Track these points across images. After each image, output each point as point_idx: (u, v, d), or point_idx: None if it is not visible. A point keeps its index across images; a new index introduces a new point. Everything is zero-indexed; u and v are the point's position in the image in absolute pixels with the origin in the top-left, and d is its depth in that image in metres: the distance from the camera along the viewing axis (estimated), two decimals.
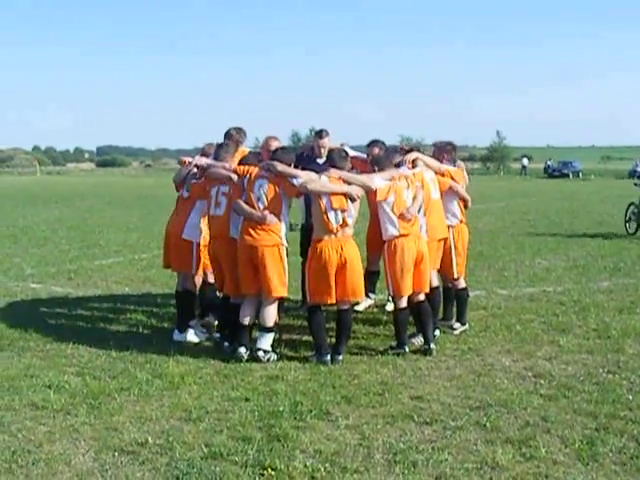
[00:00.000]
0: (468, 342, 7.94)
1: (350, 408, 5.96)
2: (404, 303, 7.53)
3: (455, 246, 8.30)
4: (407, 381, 6.66)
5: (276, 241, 7.29)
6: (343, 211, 7.17)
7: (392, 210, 7.38)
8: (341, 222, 7.17)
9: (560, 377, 6.72)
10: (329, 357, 7.19)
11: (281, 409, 5.89)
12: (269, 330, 7.37)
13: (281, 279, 7.34)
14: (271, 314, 7.39)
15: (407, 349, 7.45)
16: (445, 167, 8.31)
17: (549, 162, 74.94)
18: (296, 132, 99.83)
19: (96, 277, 12.45)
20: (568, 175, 68.57)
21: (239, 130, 8.35)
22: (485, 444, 5.21)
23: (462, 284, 8.56)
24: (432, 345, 7.51)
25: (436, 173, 8.10)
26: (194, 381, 6.64)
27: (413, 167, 7.86)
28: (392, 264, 7.41)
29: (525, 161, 79.09)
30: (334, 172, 7.34)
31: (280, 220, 7.34)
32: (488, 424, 5.57)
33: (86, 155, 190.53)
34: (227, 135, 8.26)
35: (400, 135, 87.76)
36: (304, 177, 7.30)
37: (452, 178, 8.31)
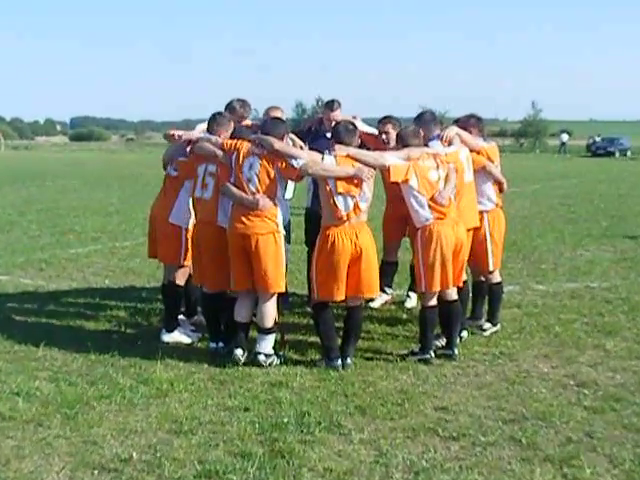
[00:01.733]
0: (500, 345, 7.93)
1: (365, 420, 5.96)
2: (433, 300, 7.50)
3: (490, 234, 8.27)
4: (430, 389, 6.67)
5: (271, 228, 7.24)
6: (353, 195, 7.13)
7: (420, 192, 7.35)
8: (352, 207, 7.13)
9: (607, 386, 6.71)
10: (339, 361, 7.19)
11: (285, 420, 5.89)
12: (269, 331, 7.37)
13: (278, 272, 7.30)
14: (270, 313, 7.37)
15: (432, 355, 7.43)
16: (482, 144, 8.31)
17: (597, 138, 74.57)
18: (300, 102, 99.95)
19: (71, 268, 12.46)
20: (614, 153, 68.40)
21: (243, 103, 8.29)
22: (521, 463, 5.21)
23: (497, 278, 8.56)
24: (455, 351, 7.50)
25: (471, 151, 8.07)
26: (185, 388, 6.65)
27: (449, 145, 7.80)
28: (426, 255, 7.35)
29: (564, 137, 78.82)
30: (340, 149, 7.28)
31: (275, 204, 7.28)
32: (524, 440, 5.56)
33: (58, 127, 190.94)
34: (228, 107, 8.22)
35: (421, 106, 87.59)
36: (305, 158, 7.23)
37: (488, 157, 8.29)
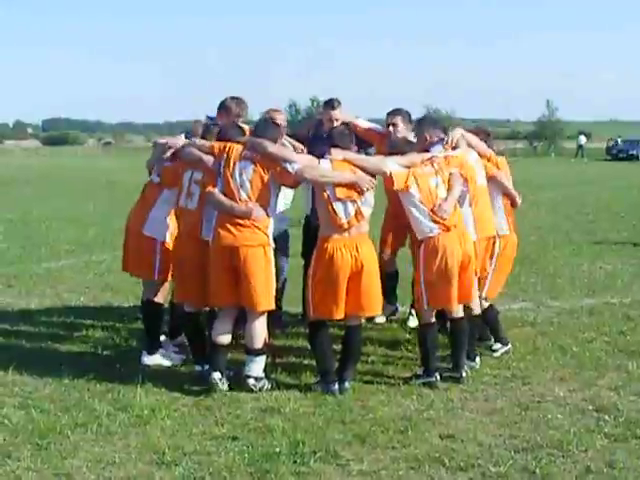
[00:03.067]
0: (512, 367, 7.94)
1: (364, 449, 5.96)
2: (432, 318, 7.53)
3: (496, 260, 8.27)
4: (436, 416, 6.67)
5: (262, 240, 7.22)
6: (354, 200, 7.14)
7: (421, 202, 7.36)
8: (353, 214, 7.13)
9: (629, 412, 6.71)
10: (336, 385, 7.19)
11: (277, 450, 5.89)
12: (258, 353, 7.36)
13: (268, 288, 7.29)
14: (259, 333, 7.35)
15: (438, 377, 7.43)
16: (491, 151, 8.34)
17: (618, 140, 74.66)
18: (294, 102, 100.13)
19: (43, 284, 12.45)
20: (637, 157, 68.46)
21: (238, 101, 8.27)
22: None
23: (484, 305, 8.43)
24: (463, 373, 7.51)
25: (480, 156, 8.11)
26: (168, 415, 6.64)
27: (454, 149, 7.83)
28: (429, 269, 7.37)
29: (582, 139, 78.95)
30: (337, 153, 7.29)
31: (268, 214, 7.28)
32: (538, 470, 5.56)
33: (29, 130, 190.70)
34: (222, 106, 8.20)
35: (426, 106, 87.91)
36: (302, 162, 7.23)
37: (497, 166, 8.33)
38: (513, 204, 8.49)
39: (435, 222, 7.34)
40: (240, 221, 7.15)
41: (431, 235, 7.36)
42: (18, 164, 62.73)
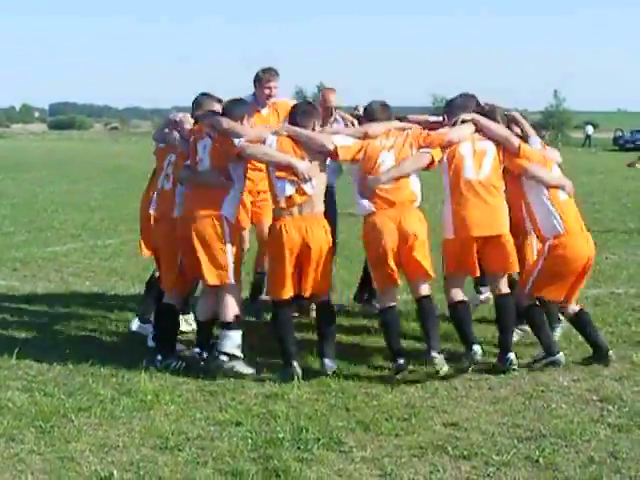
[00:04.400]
0: (516, 356, 7.90)
1: (368, 436, 5.96)
2: (391, 301, 7.43)
3: (546, 265, 7.61)
4: (439, 404, 6.66)
5: (213, 212, 7.27)
6: (292, 180, 7.17)
7: (362, 176, 7.32)
8: (292, 192, 7.17)
9: (633, 402, 6.70)
10: (298, 369, 7.19)
11: (281, 436, 5.89)
12: (229, 326, 7.36)
13: (218, 261, 7.30)
14: (227, 305, 7.38)
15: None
16: (519, 142, 7.64)
17: (626, 132, 74.40)
18: (301, 89, 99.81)
19: (49, 268, 12.48)
20: None
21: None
22: None
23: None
24: (435, 354, 7.25)
25: (504, 148, 7.61)
26: (171, 400, 6.65)
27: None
28: (368, 250, 7.45)
29: (589, 129, 78.76)
30: (286, 129, 7.39)
31: (225, 187, 7.36)
32: (542, 460, 5.55)
33: (36, 114, 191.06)
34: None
35: (432, 94, 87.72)
36: (249, 137, 7.33)
37: (527, 159, 7.64)
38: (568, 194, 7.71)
39: (375, 197, 7.23)
40: (194, 194, 7.38)
41: (366, 213, 7.31)
42: (24, 148, 62.76)
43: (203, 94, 8.14)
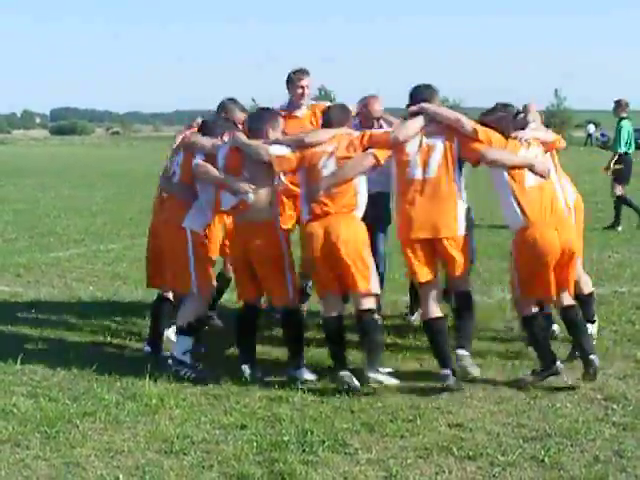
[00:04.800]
0: (520, 356, 7.92)
1: (373, 438, 5.96)
2: (331, 312, 7.19)
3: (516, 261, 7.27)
4: (444, 404, 6.66)
5: (177, 221, 7.46)
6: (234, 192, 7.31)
7: (305, 183, 7.24)
8: (234, 204, 7.33)
9: (638, 401, 6.70)
10: (247, 371, 7.26)
11: (286, 439, 5.89)
12: (181, 331, 7.53)
13: (180, 270, 7.50)
14: (183, 312, 7.57)
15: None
16: (473, 123, 7.19)
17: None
18: None
19: (52, 273, 12.48)
20: None
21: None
22: None
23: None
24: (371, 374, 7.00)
25: (460, 140, 7.14)
26: (176, 404, 6.65)
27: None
28: (304, 259, 7.55)
29: (591, 128, 78.71)
30: (233, 141, 7.38)
31: (189, 197, 7.56)
32: (547, 459, 5.55)
33: (37, 120, 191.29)
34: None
35: None
36: (206, 151, 7.46)
37: (488, 140, 7.16)
38: (540, 175, 7.06)
39: (309, 206, 7.12)
40: (166, 203, 7.77)
41: (304, 221, 7.25)
42: (26, 154, 62.82)
43: (230, 99, 8.21)
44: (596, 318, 8.24)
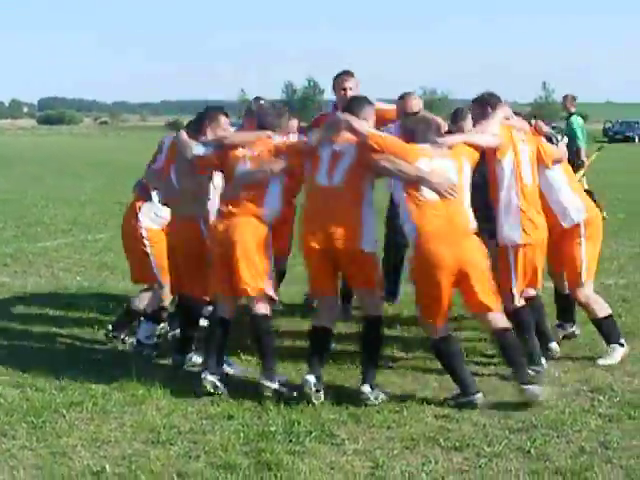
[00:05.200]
0: None
1: (359, 429, 5.97)
2: (222, 313, 7.05)
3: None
4: (431, 395, 6.67)
5: (131, 216, 8.04)
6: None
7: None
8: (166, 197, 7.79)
9: (624, 392, 6.72)
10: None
11: (273, 429, 5.90)
12: (146, 317, 7.98)
13: (141, 262, 8.02)
14: (145, 298, 8.03)
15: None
16: (369, 129, 6.78)
17: (617, 122, 74.59)
18: (290, 83, 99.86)
19: (39, 263, 12.46)
20: (633, 139, 68.40)
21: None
22: (529, 475, 5.21)
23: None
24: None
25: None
26: (163, 394, 6.65)
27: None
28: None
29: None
30: (177, 136, 7.60)
31: (143, 197, 8.01)
32: (533, 450, 5.57)
33: (25, 109, 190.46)
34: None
35: (422, 87, 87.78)
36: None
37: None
38: (433, 190, 6.50)
39: (220, 205, 7.10)
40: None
41: (214, 218, 7.18)
42: (13, 143, 62.60)
43: (257, 98, 8.30)
44: (623, 342, 7.64)
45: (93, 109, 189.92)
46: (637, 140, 68.17)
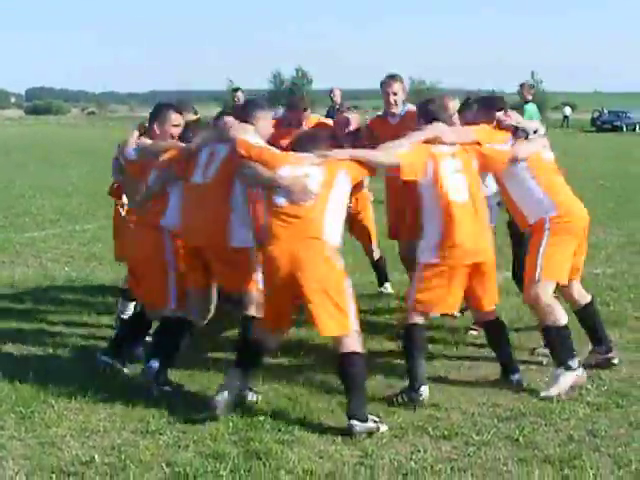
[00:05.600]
0: None
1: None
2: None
3: None
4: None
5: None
6: None
7: None
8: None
9: (612, 381, 6.75)
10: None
11: (262, 419, 5.91)
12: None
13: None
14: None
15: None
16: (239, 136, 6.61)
17: (605, 111, 74.78)
18: (279, 72, 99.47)
19: (26, 253, 12.43)
20: (621, 128, 68.51)
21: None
22: (518, 463, 5.24)
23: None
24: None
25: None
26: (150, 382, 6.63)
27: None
28: None
29: (567, 110, 79.07)
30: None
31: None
32: (521, 439, 5.60)
33: (12, 99, 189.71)
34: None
35: (410, 77, 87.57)
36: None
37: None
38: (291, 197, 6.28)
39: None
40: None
41: None
42: (1, 133, 62.31)
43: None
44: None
45: (81, 99, 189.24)
46: (625, 129, 68.23)
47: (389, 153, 6.65)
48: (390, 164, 6.65)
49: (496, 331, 6.92)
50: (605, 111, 74.62)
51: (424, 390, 6.32)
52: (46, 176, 25.20)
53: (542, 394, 6.43)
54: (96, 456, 5.33)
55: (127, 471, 5.13)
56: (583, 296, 7.35)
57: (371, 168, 6.60)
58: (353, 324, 6.04)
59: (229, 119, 6.85)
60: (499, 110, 7.18)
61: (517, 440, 5.58)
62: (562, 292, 7.27)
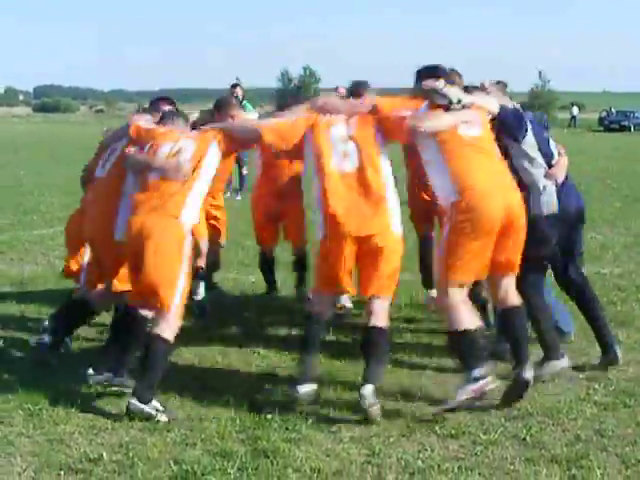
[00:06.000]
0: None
1: (355, 416, 5.97)
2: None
3: None
4: (427, 383, 6.70)
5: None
6: None
7: None
8: None
9: (619, 381, 6.74)
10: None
11: (269, 417, 5.91)
12: None
13: None
14: None
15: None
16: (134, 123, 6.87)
17: (613, 110, 74.67)
18: (287, 70, 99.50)
19: (35, 251, 12.46)
20: (629, 128, 68.42)
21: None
22: (525, 463, 5.24)
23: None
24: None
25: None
26: (160, 382, 6.62)
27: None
28: None
29: (575, 110, 79.06)
30: None
31: None
32: (529, 438, 5.59)
33: (21, 97, 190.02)
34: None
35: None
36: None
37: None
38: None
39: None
40: None
41: None
42: (9, 131, 62.45)
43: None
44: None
45: (89, 97, 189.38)
46: (633, 129, 68.15)
47: (245, 123, 7.07)
48: (248, 133, 6.70)
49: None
50: (613, 111, 74.61)
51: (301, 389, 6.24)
52: (54, 174, 25.22)
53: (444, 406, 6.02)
54: (104, 453, 5.33)
55: (135, 468, 5.13)
56: (511, 297, 6.38)
57: (238, 141, 6.67)
58: (174, 306, 6.11)
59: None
60: (430, 77, 6.43)
61: (524, 439, 5.57)
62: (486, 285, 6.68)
